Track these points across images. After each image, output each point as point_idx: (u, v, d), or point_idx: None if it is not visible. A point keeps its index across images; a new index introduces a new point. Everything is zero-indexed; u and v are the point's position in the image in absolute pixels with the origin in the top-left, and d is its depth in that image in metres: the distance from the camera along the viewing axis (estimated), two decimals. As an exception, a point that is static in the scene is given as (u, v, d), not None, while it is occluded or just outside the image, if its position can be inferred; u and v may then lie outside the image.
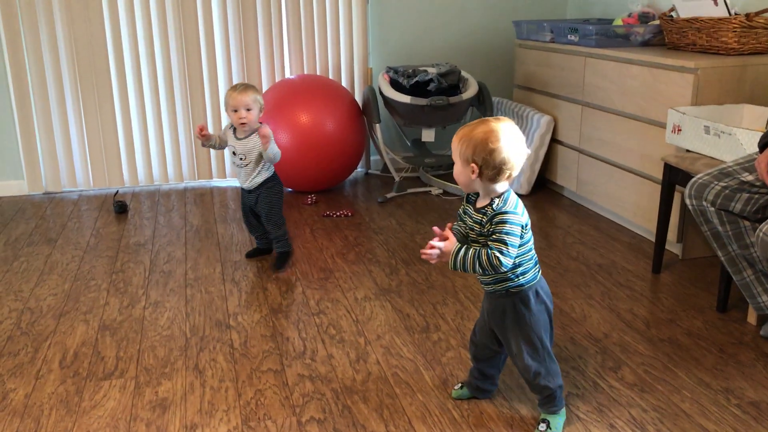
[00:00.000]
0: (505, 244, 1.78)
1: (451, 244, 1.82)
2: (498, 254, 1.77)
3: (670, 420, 2.05)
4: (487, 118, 1.84)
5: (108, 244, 3.64)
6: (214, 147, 3.16)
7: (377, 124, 4.38)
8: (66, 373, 2.35)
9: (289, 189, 4.56)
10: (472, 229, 1.88)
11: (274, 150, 3.02)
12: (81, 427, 2.05)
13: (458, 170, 1.85)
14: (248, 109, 2.97)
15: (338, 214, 4.05)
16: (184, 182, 4.79)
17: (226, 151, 3.33)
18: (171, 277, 3.17)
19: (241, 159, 3.07)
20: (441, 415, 2.09)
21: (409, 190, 4.49)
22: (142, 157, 4.67)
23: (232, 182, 4.82)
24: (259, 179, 3.12)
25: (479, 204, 1.87)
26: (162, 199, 4.47)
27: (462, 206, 1.94)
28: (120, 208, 4.14)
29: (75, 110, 4.47)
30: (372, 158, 5.06)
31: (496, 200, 1.82)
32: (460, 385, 2.17)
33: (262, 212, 3.17)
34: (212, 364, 2.40)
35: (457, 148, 1.82)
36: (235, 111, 2.97)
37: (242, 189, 3.21)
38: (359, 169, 5.05)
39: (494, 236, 1.79)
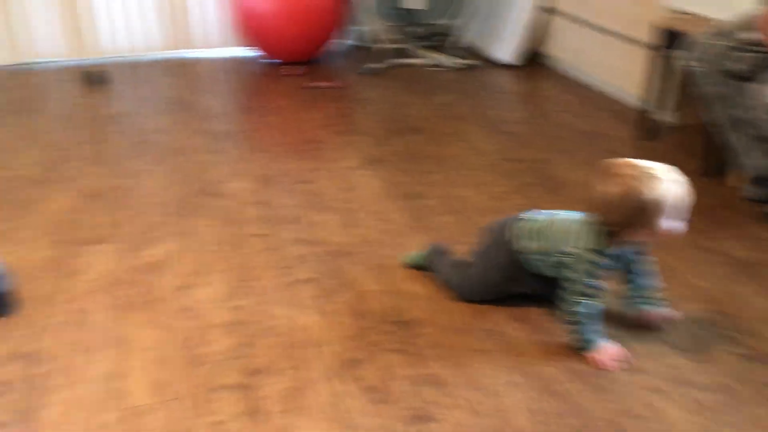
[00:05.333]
0: None
1: None
2: None
3: (666, 279, 2.08)
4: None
5: (88, 114, 3.54)
6: None
7: (362, -10, 4.19)
8: (53, 238, 2.33)
9: (274, 60, 4.42)
10: None
11: None
12: (72, 289, 2.05)
13: None
14: None
15: (322, 85, 3.95)
16: (162, 53, 4.62)
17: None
18: (154, 147, 3.10)
19: None
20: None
21: (396, 61, 4.36)
22: (120, 26, 4.46)
23: (212, 53, 4.65)
24: None
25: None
26: (140, 70, 4.32)
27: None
28: (99, 79, 4.00)
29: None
30: (356, 29, 4.88)
31: None
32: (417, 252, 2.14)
33: None
34: (205, 229, 2.39)
35: None
36: None
37: None
38: (343, 41, 4.89)
39: None
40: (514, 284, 1.93)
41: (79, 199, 2.61)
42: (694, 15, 2.79)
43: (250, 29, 4.19)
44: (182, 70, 4.33)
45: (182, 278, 2.10)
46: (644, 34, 3.29)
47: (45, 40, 4.36)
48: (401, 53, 4.54)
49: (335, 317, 1.91)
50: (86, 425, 1.55)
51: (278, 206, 2.55)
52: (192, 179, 2.78)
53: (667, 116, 3.32)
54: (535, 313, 1.92)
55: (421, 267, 2.11)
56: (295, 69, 4.18)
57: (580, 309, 1.72)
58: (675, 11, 2.96)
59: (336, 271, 2.14)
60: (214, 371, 1.71)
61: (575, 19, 3.88)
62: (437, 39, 4.80)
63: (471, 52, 4.58)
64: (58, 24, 4.34)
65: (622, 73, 3.53)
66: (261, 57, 4.49)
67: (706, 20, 2.71)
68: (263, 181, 2.76)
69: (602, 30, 3.64)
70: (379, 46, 4.36)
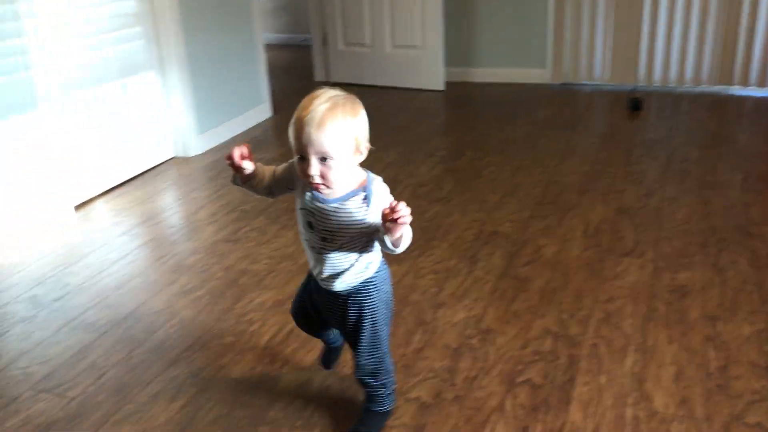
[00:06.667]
0: None
1: None
2: None
3: None
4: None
5: (623, 136, 3.75)
6: (256, 190, 1.61)
7: None
8: (589, 242, 2.56)
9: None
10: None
11: (405, 240, 1.43)
12: (604, 290, 2.23)
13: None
14: (324, 159, 1.39)
15: None
16: (700, 86, 4.58)
17: (299, 212, 1.56)
18: (687, 176, 3.13)
19: (322, 239, 1.51)
20: None
21: None
22: (661, 57, 4.59)
23: (753, 92, 4.43)
24: (353, 278, 1.55)
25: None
26: (675, 101, 4.37)
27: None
28: (634, 104, 4.19)
29: (606, 4, 4.58)
30: None
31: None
32: None
33: (352, 338, 1.62)
34: (733, 266, 2.33)
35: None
36: (302, 158, 1.41)
37: (310, 281, 1.67)
38: None
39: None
40: None
41: (612, 212, 2.80)
42: None
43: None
44: (722, 105, 4.23)
45: (711, 309, 2.10)
46: None
47: (594, 65, 4.74)
48: None
49: None
50: (606, 412, 1.69)
51: (825, 261, 2.34)
52: (725, 214, 2.73)
53: None
54: None
55: None
56: None
57: None
58: None
59: None
60: (737, 405, 1.68)
61: None
62: None
63: None
64: (608, 51, 4.67)
65: None
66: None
67: None
68: (807, 231, 2.56)
69: None
70: None
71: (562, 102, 4.50)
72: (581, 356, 1.91)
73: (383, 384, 1.66)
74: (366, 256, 1.52)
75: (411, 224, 1.37)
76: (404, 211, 1.32)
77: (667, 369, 1.84)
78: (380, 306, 1.57)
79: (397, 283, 2.31)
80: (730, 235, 2.55)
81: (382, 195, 1.46)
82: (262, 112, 4.34)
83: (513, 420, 1.69)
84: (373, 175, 1.47)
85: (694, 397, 1.72)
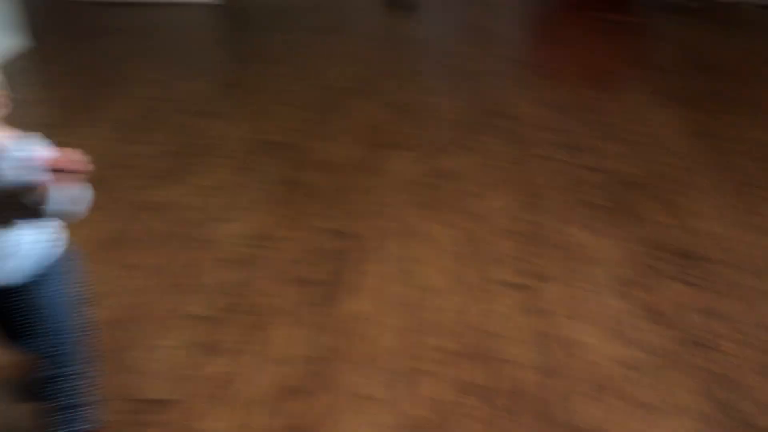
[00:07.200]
0: None
1: None
2: None
3: None
4: None
5: (394, 37, 3.82)
6: None
7: None
8: (364, 141, 2.62)
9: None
10: None
11: (62, 199, 1.12)
12: (380, 185, 2.32)
13: None
14: None
15: (618, 18, 3.81)
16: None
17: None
18: (452, 69, 3.29)
19: None
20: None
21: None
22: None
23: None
24: (23, 264, 1.24)
25: None
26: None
27: None
28: (408, 5, 4.21)
29: None
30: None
31: None
32: None
33: (34, 331, 1.30)
34: (493, 147, 2.52)
35: None
36: None
37: None
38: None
39: None
40: None
41: (385, 110, 2.88)
42: None
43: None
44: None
45: (473, 187, 2.27)
46: None
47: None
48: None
49: (619, 241, 1.95)
50: (391, 297, 1.79)
51: (566, 132, 2.60)
52: (485, 100, 2.92)
53: None
54: None
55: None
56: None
57: None
58: None
59: (624, 199, 2.15)
60: (497, 269, 1.86)
61: None
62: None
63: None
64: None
65: None
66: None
67: None
68: (552, 106, 2.82)
69: None
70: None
71: (326, 6, 4.43)
72: (363, 249, 1.98)
73: (79, 369, 1.34)
74: (29, 232, 1.22)
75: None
76: (73, 158, 1.08)
77: (437, 246, 1.97)
78: (65, 290, 1.30)
79: (172, 204, 2.23)
80: (490, 119, 2.74)
81: (30, 151, 1.15)
82: (12, 41, 3.78)
83: (301, 318, 1.73)
84: (23, 133, 1.18)
85: (464, 269, 1.88)
